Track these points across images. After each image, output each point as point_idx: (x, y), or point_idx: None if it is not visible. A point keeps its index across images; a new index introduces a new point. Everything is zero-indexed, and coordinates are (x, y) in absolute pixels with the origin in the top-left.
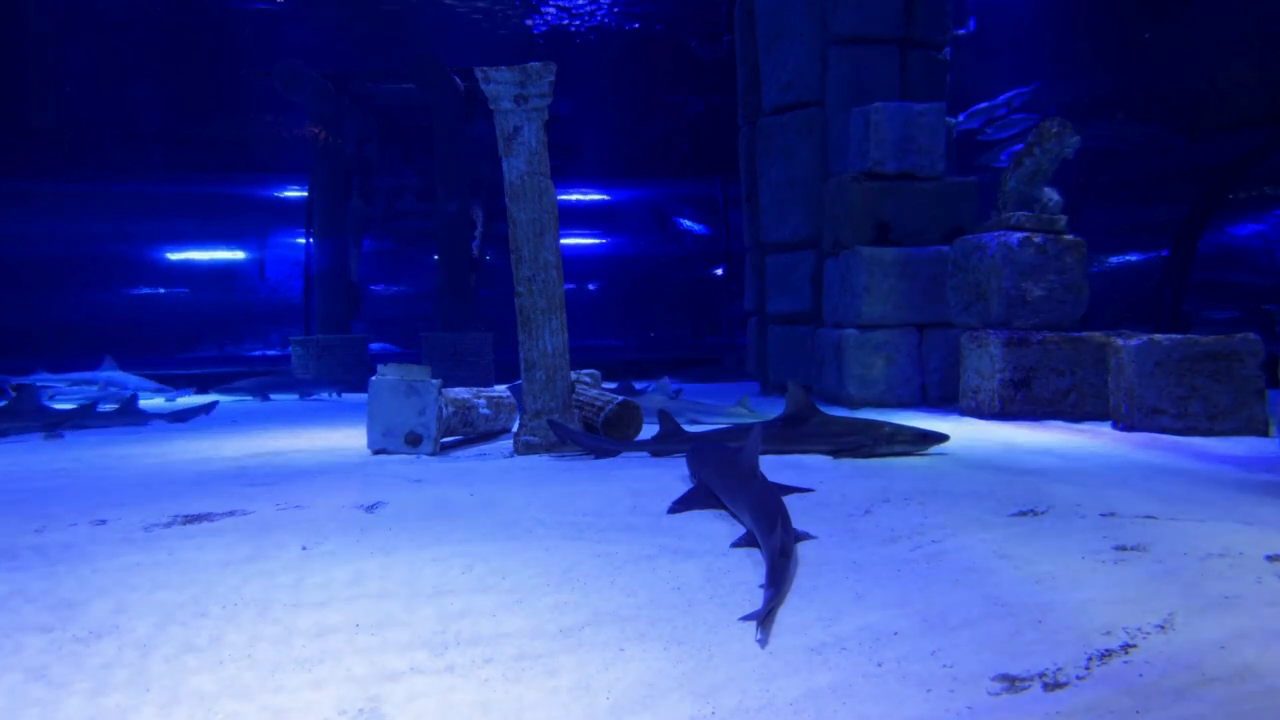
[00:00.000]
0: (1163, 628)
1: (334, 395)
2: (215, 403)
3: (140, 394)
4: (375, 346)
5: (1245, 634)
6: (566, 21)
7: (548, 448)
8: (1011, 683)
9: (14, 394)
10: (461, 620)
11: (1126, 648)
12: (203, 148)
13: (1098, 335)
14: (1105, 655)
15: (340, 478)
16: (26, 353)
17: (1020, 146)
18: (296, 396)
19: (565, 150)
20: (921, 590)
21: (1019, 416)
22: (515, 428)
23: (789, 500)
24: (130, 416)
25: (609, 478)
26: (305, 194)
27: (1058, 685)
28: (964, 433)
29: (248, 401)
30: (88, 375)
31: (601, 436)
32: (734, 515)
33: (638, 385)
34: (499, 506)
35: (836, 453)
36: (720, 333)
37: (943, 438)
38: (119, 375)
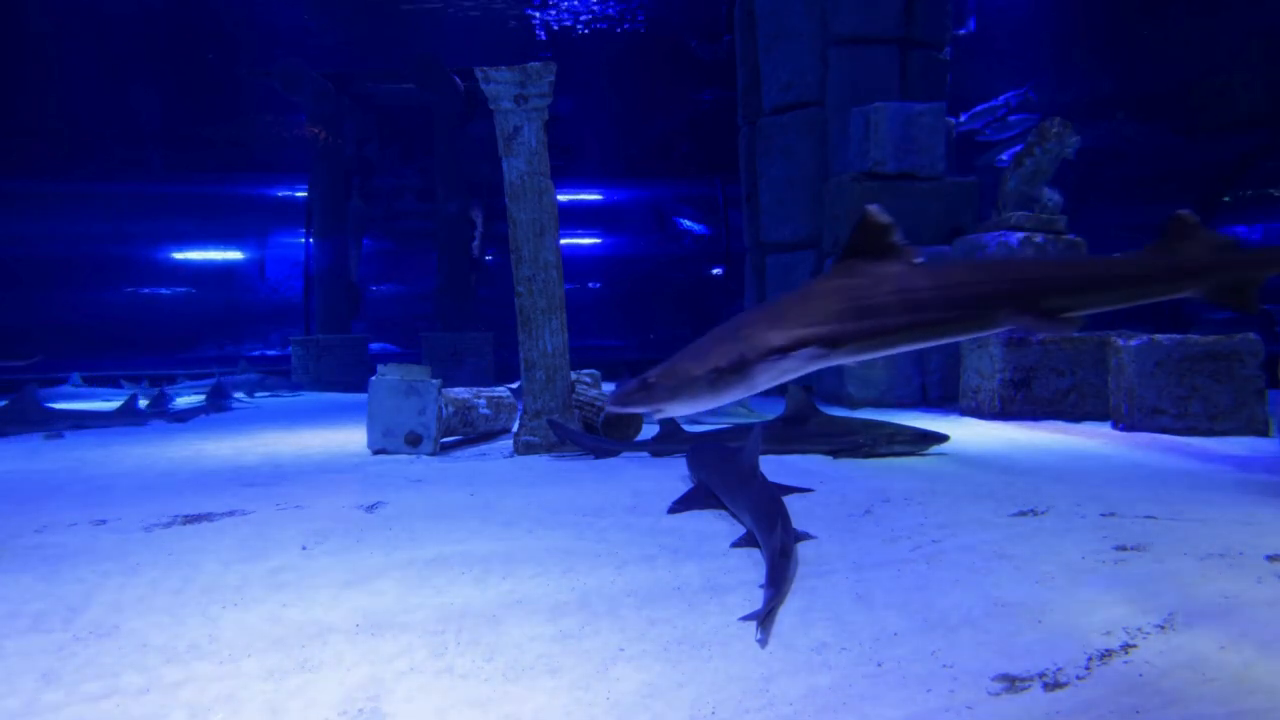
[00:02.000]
0: (1163, 628)
1: (264, 395)
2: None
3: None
4: (375, 346)
5: (1245, 634)
6: (567, 21)
7: (548, 448)
8: (1011, 683)
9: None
10: (461, 620)
11: (1126, 648)
12: (203, 148)
13: (1097, 335)
14: (1105, 655)
15: (340, 477)
16: (18, 352)
17: (1020, 147)
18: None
19: (565, 150)
20: (921, 590)
21: (1019, 416)
22: (515, 428)
23: (789, 500)
24: (130, 417)
25: (609, 478)
26: (305, 194)
27: (1058, 685)
28: (964, 433)
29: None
30: (242, 378)
31: (601, 436)
32: (734, 515)
33: None
34: (499, 506)
35: (836, 453)
36: None
37: (943, 438)
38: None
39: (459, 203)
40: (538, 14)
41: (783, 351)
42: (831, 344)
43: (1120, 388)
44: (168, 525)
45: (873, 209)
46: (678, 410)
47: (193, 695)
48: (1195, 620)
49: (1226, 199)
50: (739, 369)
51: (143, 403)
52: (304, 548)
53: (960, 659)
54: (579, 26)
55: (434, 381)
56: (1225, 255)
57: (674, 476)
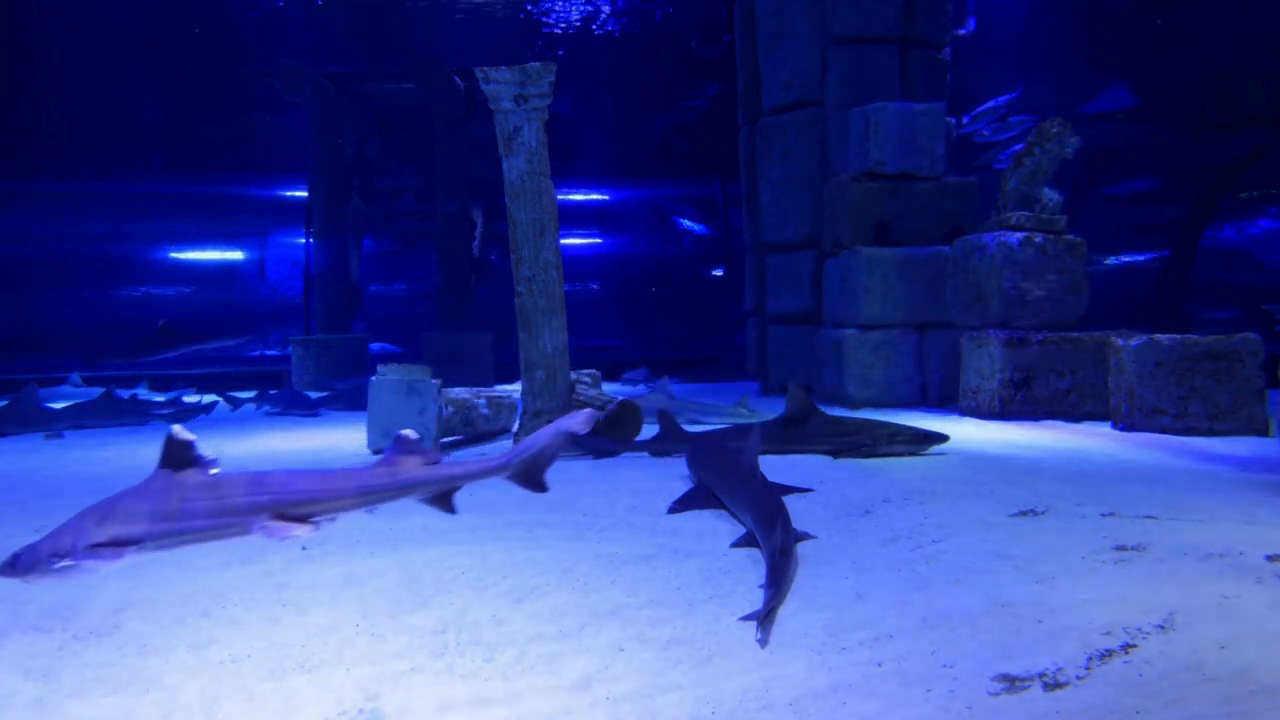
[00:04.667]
0: (1163, 628)
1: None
2: (215, 402)
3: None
4: (375, 346)
5: (1245, 634)
6: (567, 21)
7: None
8: (1011, 683)
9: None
10: (461, 620)
11: (1126, 648)
12: (203, 148)
13: (1097, 335)
14: (1105, 655)
15: None
16: (17, 352)
17: (1020, 147)
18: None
19: (565, 150)
20: (921, 590)
21: (1019, 416)
22: (515, 427)
23: (789, 500)
24: (129, 417)
25: (609, 478)
26: (305, 194)
27: (1058, 685)
28: (964, 433)
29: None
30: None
31: (601, 437)
32: (734, 515)
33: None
34: (499, 506)
35: (836, 453)
36: (720, 333)
37: (943, 438)
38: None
39: (459, 203)
40: (538, 14)
41: (101, 547)
42: (137, 543)
43: (1120, 388)
44: None
45: (175, 429)
46: (41, 584)
47: (193, 696)
48: (1195, 620)
49: (1231, 196)
50: (67, 556)
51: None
52: (304, 548)
53: (960, 659)
54: (579, 26)
55: (434, 381)
56: (431, 471)
57: (674, 476)
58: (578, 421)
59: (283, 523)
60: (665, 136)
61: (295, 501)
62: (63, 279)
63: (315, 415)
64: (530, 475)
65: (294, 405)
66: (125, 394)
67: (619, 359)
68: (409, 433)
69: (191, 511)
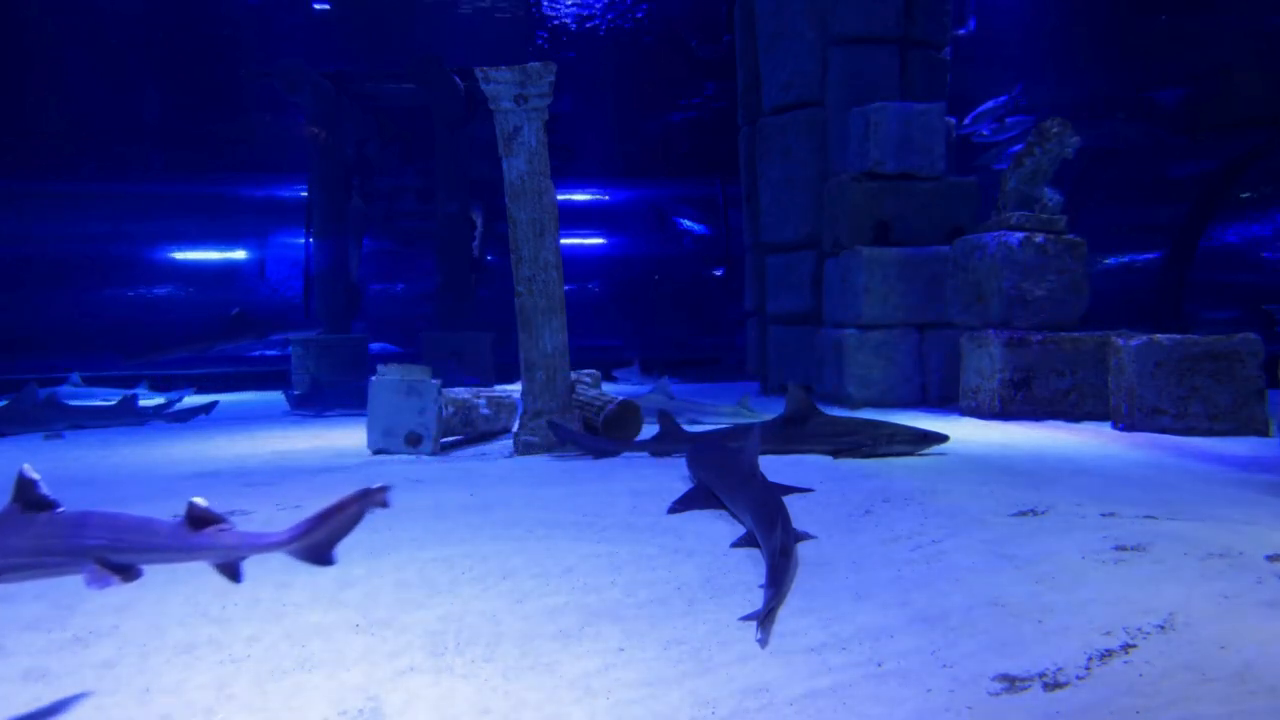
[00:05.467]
0: (1163, 628)
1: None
2: (215, 402)
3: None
4: (375, 346)
5: (1245, 634)
6: (567, 21)
7: (547, 448)
8: (1011, 683)
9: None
10: (461, 620)
11: (1126, 648)
12: (203, 148)
13: (1098, 335)
14: (1105, 655)
15: (340, 477)
16: (18, 352)
17: (1020, 147)
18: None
19: (565, 150)
20: (921, 590)
21: (1019, 416)
22: (515, 427)
23: (789, 500)
24: (129, 417)
25: (609, 478)
26: (305, 194)
27: (1058, 685)
28: (964, 433)
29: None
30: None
31: (601, 437)
32: (734, 515)
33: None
34: (499, 507)
35: (836, 453)
36: (720, 333)
37: (942, 438)
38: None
39: (459, 203)
40: (538, 14)
41: None
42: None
43: (1120, 388)
44: None
45: (24, 469)
46: None
47: (193, 695)
48: (1195, 620)
49: (1231, 196)
50: None
51: (145, 402)
52: None
53: (960, 659)
54: (579, 25)
55: (434, 381)
56: (215, 539)
57: (674, 476)
58: (373, 499)
59: (105, 571)
60: (665, 136)
61: (112, 549)
62: (63, 279)
63: (363, 414)
64: (315, 551)
65: (324, 403)
66: (120, 394)
67: (619, 359)
68: (200, 500)
69: (36, 549)
